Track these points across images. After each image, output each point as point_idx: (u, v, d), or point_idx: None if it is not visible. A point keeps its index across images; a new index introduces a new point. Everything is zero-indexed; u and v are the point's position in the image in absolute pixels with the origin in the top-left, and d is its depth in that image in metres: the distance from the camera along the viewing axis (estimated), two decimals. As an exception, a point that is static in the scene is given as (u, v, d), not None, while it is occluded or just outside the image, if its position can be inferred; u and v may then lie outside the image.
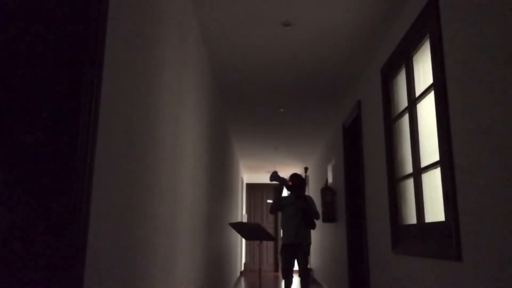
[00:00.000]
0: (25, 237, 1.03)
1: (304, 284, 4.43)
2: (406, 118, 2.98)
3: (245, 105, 5.16)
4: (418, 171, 2.68)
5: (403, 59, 2.96)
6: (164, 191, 2.11)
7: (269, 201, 10.69)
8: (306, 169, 9.50)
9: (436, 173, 2.47)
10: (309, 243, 4.55)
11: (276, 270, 10.56)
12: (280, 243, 4.97)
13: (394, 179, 3.16)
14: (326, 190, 6.21)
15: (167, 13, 2.16)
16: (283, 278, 4.44)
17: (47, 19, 1.13)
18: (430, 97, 2.56)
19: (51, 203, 1.05)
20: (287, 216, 4.56)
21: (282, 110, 5.32)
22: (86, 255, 1.13)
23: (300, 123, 5.95)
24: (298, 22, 3.11)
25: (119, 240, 1.44)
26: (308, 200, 4.56)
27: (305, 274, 4.43)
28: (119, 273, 1.45)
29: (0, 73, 1.09)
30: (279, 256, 9.89)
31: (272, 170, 9.83)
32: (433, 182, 2.56)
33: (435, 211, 2.54)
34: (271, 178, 4.51)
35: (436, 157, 2.41)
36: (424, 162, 2.64)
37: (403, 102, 3.06)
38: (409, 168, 2.93)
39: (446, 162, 2.13)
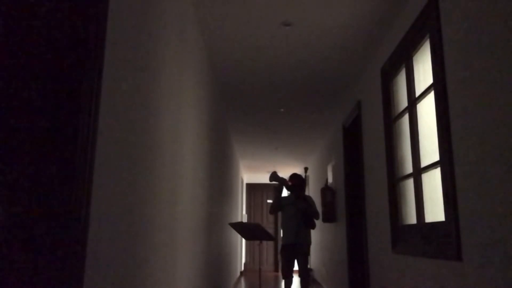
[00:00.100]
0: (25, 237, 1.03)
1: (304, 284, 4.43)
2: (406, 118, 2.98)
3: (245, 105, 5.16)
4: (418, 171, 2.68)
5: (403, 59, 2.96)
6: (164, 191, 2.11)
7: (269, 201, 10.69)
8: (306, 169, 9.51)
9: (436, 173, 2.47)
10: (309, 243, 4.55)
11: (276, 270, 10.56)
12: (280, 243, 4.97)
13: (394, 179, 3.16)
14: (326, 190, 6.21)
15: (167, 13, 2.16)
16: (283, 278, 4.44)
17: (47, 19, 1.13)
18: (430, 97, 2.56)
19: (51, 203, 1.05)
20: (287, 216, 4.56)
21: (282, 110, 5.32)
22: (86, 255, 1.13)
23: (300, 123, 5.95)
24: (298, 22, 3.11)
25: (119, 240, 1.44)
26: (308, 200, 4.56)
27: (305, 274, 4.43)
28: (119, 273, 1.45)
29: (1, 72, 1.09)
30: (279, 256, 9.89)
31: (272, 170, 9.84)
32: (433, 182, 2.56)
33: (435, 211, 2.54)
34: (271, 179, 4.51)
35: (436, 157, 2.41)
36: (424, 162, 2.64)
37: (403, 102, 3.06)
38: (409, 168, 2.93)
39: (446, 162, 2.13)
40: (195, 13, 2.99)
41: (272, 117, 5.65)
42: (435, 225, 2.37)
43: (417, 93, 2.74)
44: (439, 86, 2.21)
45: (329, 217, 6.04)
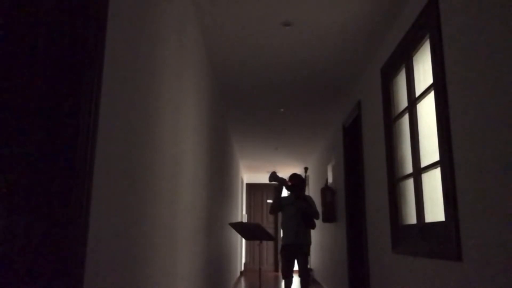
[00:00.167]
0: (25, 237, 1.03)
1: (304, 284, 4.43)
2: (406, 118, 2.98)
3: (245, 105, 5.16)
4: (418, 171, 2.68)
5: (403, 59, 2.96)
6: (164, 191, 2.11)
7: (269, 201, 10.69)
8: (306, 169, 9.51)
9: (436, 173, 2.47)
10: (309, 243, 4.55)
11: (276, 270, 10.56)
12: (280, 243, 4.97)
13: (394, 179, 3.16)
14: (326, 190, 6.21)
15: (167, 13, 2.16)
16: (283, 278, 4.44)
17: (47, 19, 1.13)
18: (430, 97, 2.56)
19: (51, 203, 1.05)
20: (287, 216, 4.56)
21: (282, 110, 5.32)
22: (86, 255, 1.13)
23: (300, 123, 5.95)
24: (298, 22, 3.11)
25: (119, 240, 1.44)
26: (308, 200, 4.56)
27: (305, 274, 4.43)
28: (119, 273, 1.45)
29: (0, 72, 1.09)
30: (279, 256, 9.89)
31: (272, 170, 9.84)
32: (433, 182, 2.56)
33: (435, 211, 2.54)
34: (270, 179, 4.51)
35: (436, 157, 2.41)
36: (424, 162, 2.64)
37: (403, 102, 3.06)
38: (409, 168, 2.93)
39: (446, 162, 2.13)
40: (195, 13, 2.99)
41: (272, 117, 5.65)
42: (435, 225, 2.37)
43: (417, 93, 2.74)
44: (439, 86, 2.21)
45: (329, 217, 6.04)
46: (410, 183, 2.93)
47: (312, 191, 8.77)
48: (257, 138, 6.91)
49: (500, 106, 1.67)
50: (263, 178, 10.94)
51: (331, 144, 6.30)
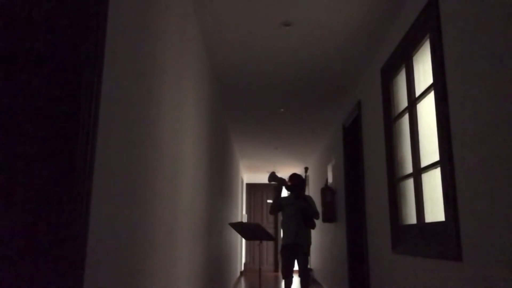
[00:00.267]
0: (25, 237, 1.03)
1: (304, 284, 4.43)
2: (406, 118, 2.98)
3: (245, 105, 5.16)
4: (418, 171, 2.68)
5: (403, 59, 2.96)
6: (164, 191, 2.11)
7: (269, 201, 10.69)
8: (306, 169, 9.51)
9: (436, 173, 2.47)
10: (309, 243, 4.55)
11: (276, 270, 10.56)
12: (280, 243, 4.97)
13: (394, 179, 3.16)
14: (326, 190, 6.22)
15: (167, 13, 2.16)
16: (283, 278, 4.44)
17: (47, 19, 1.13)
18: (430, 97, 2.56)
19: (51, 203, 1.05)
20: (287, 216, 4.56)
21: (282, 110, 5.32)
22: (86, 255, 1.13)
23: (300, 123, 5.95)
24: (298, 22, 3.11)
25: (119, 240, 1.44)
26: (308, 200, 4.56)
27: (305, 274, 4.43)
28: (119, 273, 1.45)
29: (0, 73, 1.09)
30: (279, 256, 9.89)
31: (272, 170, 9.84)
32: (433, 182, 2.56)
33: (435, 211, 2.54)
34: (270, 179, 4.51)
35: (436, 157, 2.41)
36: (424, 162, 2.64)
37: (403, 102, 3.06)
38: (409, 168, 2.93)
39: (446, 162, 2.13)
40: (195, 13, 2.99)
41: (272, 117, 5.65)
42: (435, 225, 2.37)
43: (417, 93, 2.74)
44: (439, 86, 2.21)
45: (329, 217, 6.04)
46: (410, 183, 2.93)
47: (312, 191, 8.77)
48: (257, 138, 6.91)
49: (500, 106, 1.67)
50: (263, 178, 10.94)
51: (331, 144, 6.30)
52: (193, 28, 2.95)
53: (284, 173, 10.42)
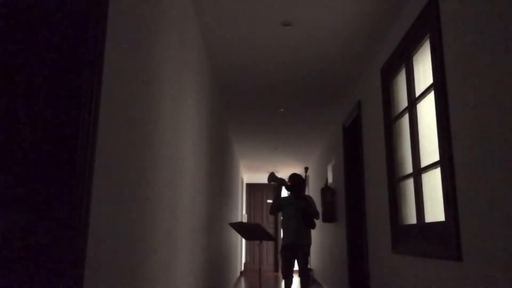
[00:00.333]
0: (25, 237, 1.03)
1: (304, 284, 4.43)
2: (406, 118, 2.98)
3: (245, 105, 5.16)
4: (418, 171, 2.68)
5: (403, 59, 2.96)
6: (164, 191, 2.11)
7: (269, 201, 10.69)
8: (306, 169, 9.51)
9: (436, 173, 2.47)
10: (309, 243, 4.55)
11: (276, 270, 10.56)
12: (280, 243, 4.98)
13: (394, 179, 3.16)
14: (326, 190, 6.21)
15: (167, 13, 2.16)
16: (283, 278, 4.44)
17: (47, 19, 1.13)
18: (430, 97, 2.56)
19: (51, 203, 1.05)
20: (287, 216, 4.56)
21: (282, 110, 5.32)
22: (86, 255, 1.13)
23: (300, 123, 5.95)
24: (298, 22, 3.11)
25: (119, 240, 1.44)
26: (308, 200, 4.56)
27: (305, 274, 4.43)
28: (119, 273, 1.45)
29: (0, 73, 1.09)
30: (279, 256, 9.89)
31: (272, 170, 9.84)
32: (433, 182, 2.56)
33: (435, 211, 2.54)
34: (269, 179, 4.51)
35: (436, 157, 2.41)
36: (424, 162, 2.64)
37: (403, 102, 3.06)
38: (409, 168, 2.93)
39: (446, 162, 2.13)
40: (195, 13, 2.99)
41: (272, 117, 5.65)
42: (435, 225, 2.37)
43: (417, 93, 2.74)
44: (439, 86, 2.21)
45: (329, 217, 6.04)
46: (410, 183, 2.93)
47: (312, 191, 8.77)
48: (257, 138, 6.91)
49: (500, 106, 1.67)
50: (263, 178, 10.94)
51: (331, 144, 6.30)
52: (193, 28, 2.94)
53: (284, 173, 10.42)
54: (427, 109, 2.66)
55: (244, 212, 10.72)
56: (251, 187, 11.24)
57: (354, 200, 4.90)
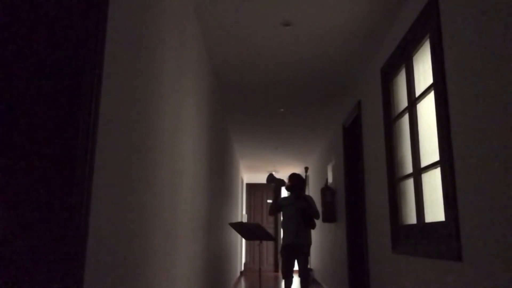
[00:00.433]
0: (26, 237, 1.03)
1: (304, 284, 4.43)
2: (406, 118, 2.98)
3: (245, 105, 5.16)
4: (418, 171, 2.68)
5: (403, 59, 2.96)
6: (164, 191, 2.11)
7: (269, 201, 10.70)
8: (306, 169, 9.51)
9: (436, 173, 2.47)
10: (309, 243, 4.55)
11: (276, 270, 10.56)
12: (280, 243, 4.97)
13: (394, 179, 3.16)
14: (326, 190, 6.22)
15: (167, 13, 2.16)
16: (283, 278, 4.44)
17: (47, 19, 1.13)
18: (430, 97, 2.56)
19: (51, 203, 1.05)
20: (287, 216, 4.56)
21: (282, 110, 5.32)
22: (86, 255, 1.13)
23: (300, 123, 5.95)
24: (298, 22, 3.11)
25: (119, 240, 1.44)
26: (308, 200, 4.56)
27: (305, 274, 4.43)
28: (119, 273, 1.45)
29: (0, 73, 1.09)
30: (279, 256, 9.89)
31: (272, 170, 9.85)
32: (433, 182, 2.56)
33: (435, 211, 2.54)
34: (268, 180, 4.51)
35: (436, 157, 2.41)
36: (424, 162, 2.64)
37: (403, 102, 3.06)
38: (409, 168, 2.93)
39: (446, 162, 2.13)
40: (195, 13, 2.99)
41: (272, 117, 5.65)
42: (435, 225, 2.37)
43: (417, 93, 2.74)
44: (439, 86, 2.21)
45: (329, 217, 6.04)
46: (410, 183, 2.93)
47: (312, 191, 8.77)
48: (257, 138, 6.91)
49: (500, 106, 1.67)
50: (263, 178, 10.94)
51: (331, 144, 6.30)
52: (193, 28, 2.94)
53: (284, 173, 10.42)
54: (427, 109, 2.66)
55: (244, 212, 10.72)
56: (251, 187, 11.24)
57: (354, 200, 4.90)
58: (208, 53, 3.65)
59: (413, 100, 2.78)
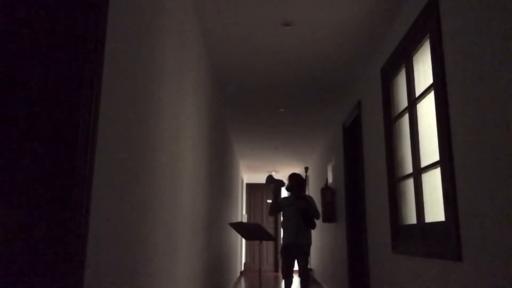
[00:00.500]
0: (26, 237, 1.02)
1: (304, 284, 4.43)
2: (406, 118, 2.98)
3: (245, 105, 5.16)
4: (418, 171, 2.68)
5: (403, 59, 2.96)
6: (164, 191, 2.11)
7: (269, 201, 10.69)
8: (306, 169, 9.51)
9: (436, 173, 2.47)
10: (309, 243, 4.55)
11: (276, 270, 10.56)
12: (280, 243, 4.98)
13: (394, 179, 3.16)
14: (326, 190, 6.21)
15: (167, 13, 2.16)
16: (283, 278, 4.44)
17: (47, 19, 1.13)
18: (430, 97, 2.56)
19: (51, 203, 1.05)
20: (287, 216, 4.56)
21: (282, 110, 5.32)
22: (86, 255, 1.13)
23: (300, 123, 5.95)
24: (298, 22, 3.11)
25: (119, 240, 1.44)
26: (308, 200, 4.56)
27: (305, 274, 4.43)
28: (119, 273, 1.45)
29: (0, 73, 1.09)
30: (279, 256, 9.89)
31: (272, 170, 9.85)
32: (433, 182, 2.56)
33: (435, 211, 2.54)
34: (267, 181, 4.52)
35: (436, 157, 2.41)
36: (424, 162, 2.64)
37: (403, 102, 3.06)
38: (409, 168, 2.93)
39: (446, 162, 2.13)
40: (195, 13, 2.99)
41: (272, 117, 5.65)
42: (435, 225, 2.37)
43: (417, 93, 2.74)
44: (439, 86, 2.21)
45: (329, 217, 6.04)
46: (410, 183, 2.93)
47: (312, 191, 8.77)
48: (257, 138, 6.91)
49: (500, 106, 1.67)
50: (263, 178, 10.92)
51: (331, 144, 6.30)
52: (193, 28, 2.94)
53: (284, 173, 10.42)
54: (427, 109, 2.66)
55: (244, 212, 10.72)
56: (251, 187, 11.24)
57: (354, 200, 4.90)
58: (208, 53, 3.65)
59: (413, 100, 2.78)
